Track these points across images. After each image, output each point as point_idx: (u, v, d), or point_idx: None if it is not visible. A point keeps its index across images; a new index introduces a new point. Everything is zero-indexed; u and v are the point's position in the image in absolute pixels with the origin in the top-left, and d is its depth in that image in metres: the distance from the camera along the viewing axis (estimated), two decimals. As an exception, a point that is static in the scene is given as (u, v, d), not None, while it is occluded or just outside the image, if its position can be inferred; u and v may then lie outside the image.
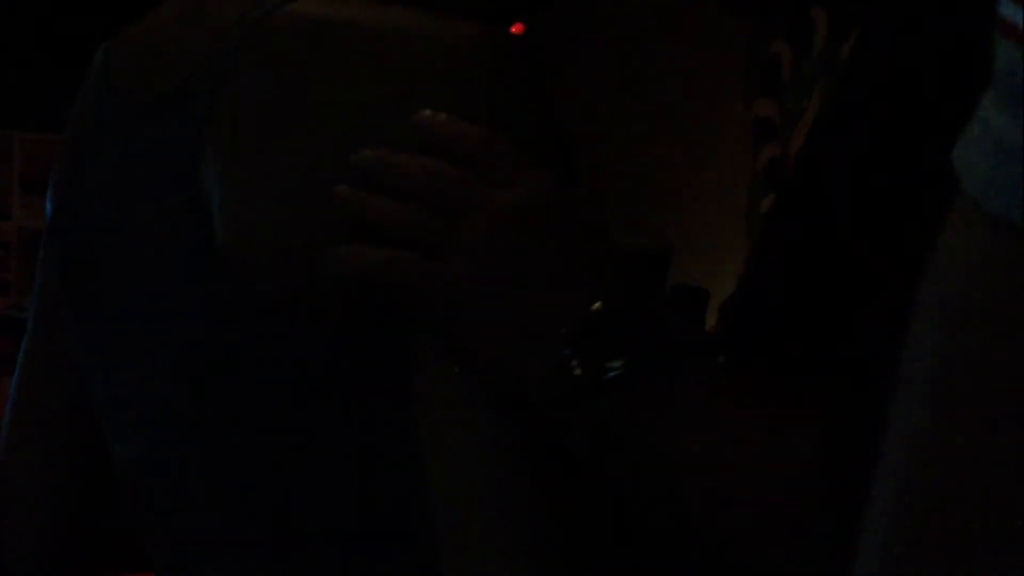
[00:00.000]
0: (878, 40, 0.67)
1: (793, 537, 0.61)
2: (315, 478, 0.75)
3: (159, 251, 0.78)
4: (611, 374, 0.65)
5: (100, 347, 0.86)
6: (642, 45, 4.22)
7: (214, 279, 0.73)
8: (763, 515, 0.63)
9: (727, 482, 0.64)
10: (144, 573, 0.92)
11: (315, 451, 0.74)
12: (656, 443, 0.66)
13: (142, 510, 0.88)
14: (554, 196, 0.70)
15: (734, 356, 0.71)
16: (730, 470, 0.64)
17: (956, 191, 0.39)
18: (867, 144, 0.65)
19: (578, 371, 0.66)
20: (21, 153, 4.36)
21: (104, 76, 0.87)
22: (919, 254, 0.41)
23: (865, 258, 0.63)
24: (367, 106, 0.72)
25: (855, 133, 0.66)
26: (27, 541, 0.96)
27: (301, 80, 0.73)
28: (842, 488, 0.59)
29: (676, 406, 0.66)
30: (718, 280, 0.79)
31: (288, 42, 0.73)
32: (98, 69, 0.89)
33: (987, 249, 0.38)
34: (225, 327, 0.74)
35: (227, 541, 0.80)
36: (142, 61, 0.84)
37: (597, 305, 0.66)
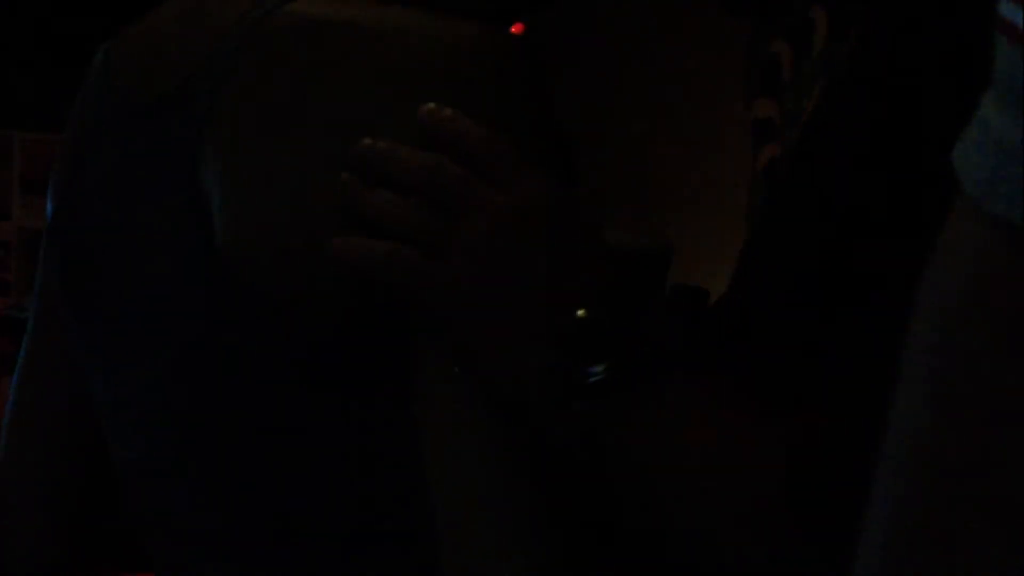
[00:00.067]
0: (878, 40, 0.67)
1: (770, 538, 0.62)
2: (315, 478, 0.75)
3: (159, 251, 0.78)
4: (595, 378, 0.66)
5: (100, 347, 0.86)
6: (642, 45, 4.22)
7: (214, 279, 0.73)
8: (740, 516, 0.63)
9: (706, 484, 0.65)
10: (144, 573, 0.92)
11: (315, 451, 0.74)
12: (637, 446, 0.66)
13: (142, 510, 0.88)
14: (553, 199, 0.70)
15: (716, 359, 0.71)
16: (709, 472, 0.65)
17: (956, 191, 0.39)
18: (865, 144, 0.64)
19: (563, 374, 0.66)
20: (21, 153, 4.36)
21: (104, 76, 0.87)
22: (918, 254, 0.41)
23: (858, 257, 0.63)
24: (367, 106, 0.72)
25: (853, 132, 0.66)
26: (27, 541, 0.96)
27: (301, 80, 0.73)
28: (819, 489, 0.60)
29: (658, 410, 0.66)
30: (718, 280, 0.79)
31: (288, 42, 0.73)
32: (98, 69, 0.89)
33: (987, 249, 0.38)
34: (225, 327, 0.74)
35: (227, 541, 0.80)
36: (142, 61, 0.84)
37: (583, 310, 0.67)
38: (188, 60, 0.78)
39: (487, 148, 0.70)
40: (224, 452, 0.78)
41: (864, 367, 0.59)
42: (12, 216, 4.35)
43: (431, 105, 0.70)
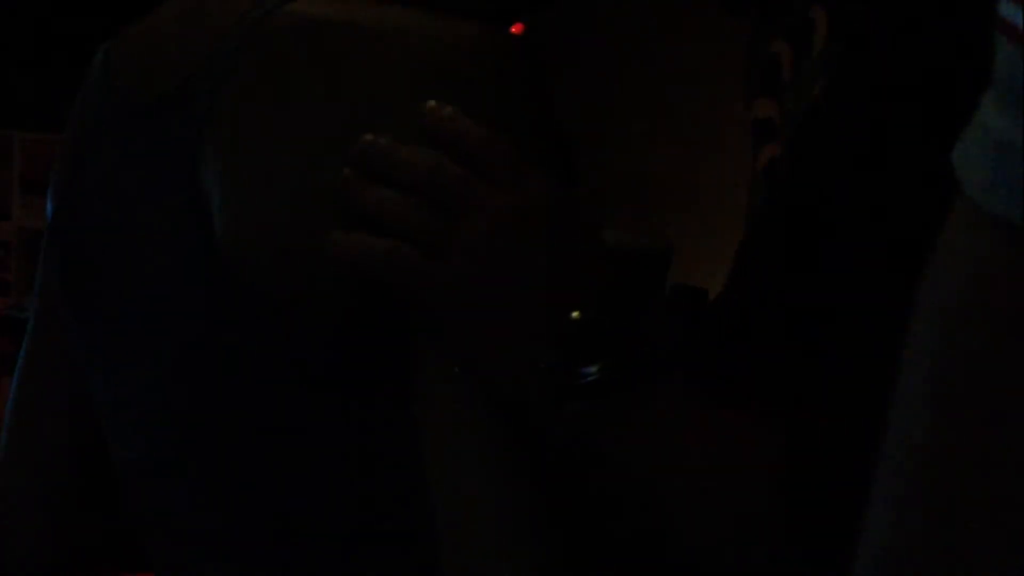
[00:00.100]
0: (875, 39, 0.67)
1: (767, 539, 0.61)
2: (315, 478, 0.75)
3: (159, 251, 0.78)
4: (591, 378, 0.66)
5: (100, 347, 0.86)
6: (642, 45, 4.22)
7: (214, 279, 0.73)
8: (737, 517, 0.63)
9: (703, 485, 0.65)
10: (144, 573, 0.92)
11: (315, 451, 0.74)
12: (634, 446, 0.66)
13: (142, 510, 0.88)
14: (553, 200, 0.71)
15: (714, 359, 0.71)
16: (705, 473, 0.65)
17: (956, 192, 0.39)
18: (861, 144, 0.64)
19: (557, 375, 0.66)
20: (21, 153, 4.36)
21: (104, 76, 0.87)
22: (918, 255, 0.41)
23: (854, 257, 0.63)
24: (367, 106, 0.72)
25: (850, 132, 0.66)
26: (27, 541, 0.96)
27: (301, 80, 0.73)
28: (816, 489, 0.60)
29: (655, 410, 0.67)
30: (718, 280, 0.79)
31: (288, 42, 0.73)
32: (98, 69, 0.89)
33: (987, 250, 0.38)
34: (225, 327, 0.74)
35: (227, 541, 0.80)
36: (142, 61, 0.84)
37: (578, 312, 0.67)
38: (188, 60, 0.78)
39: (487, 148, 0.70)
40: (224, 452, 0.78)
41: (861, 367, 0.59)
42: (12, 216, 4.35)
43: (432, 103, 0.70)
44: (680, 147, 4.02)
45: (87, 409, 0.91)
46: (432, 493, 0.69)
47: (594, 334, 0.67)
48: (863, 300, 0.61)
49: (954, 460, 0.39)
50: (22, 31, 4.18)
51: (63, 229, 0.89)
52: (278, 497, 0.76)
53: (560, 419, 0.67)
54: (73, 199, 0.88)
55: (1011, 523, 0.37)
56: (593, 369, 0.67)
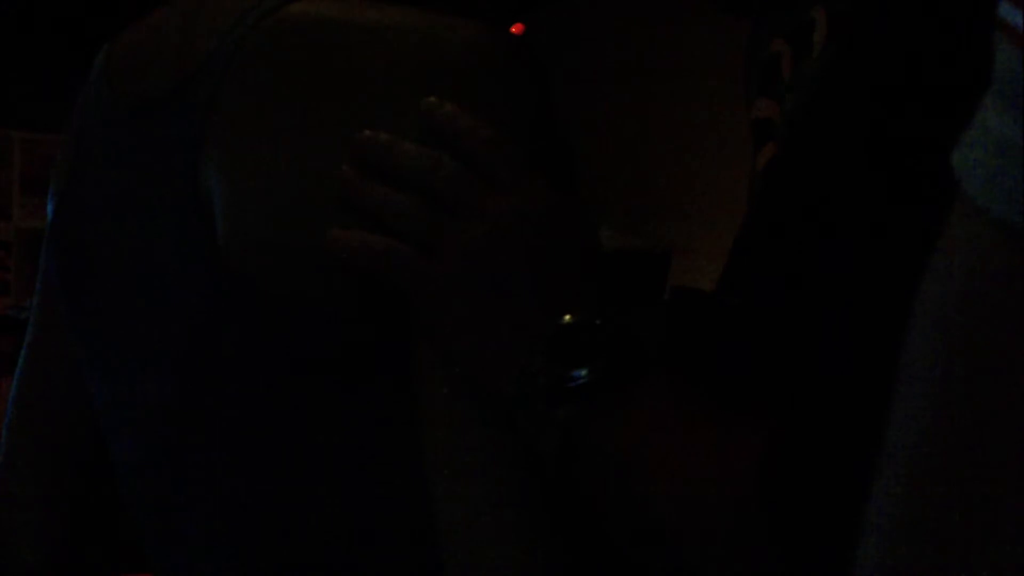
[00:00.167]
0: (874, 38, 0.67)
1: (746, 544, 0.61)
2: (315, 476, 0.75)
3: (160, 251, 0.78)
4: (576, 383, 0.66)
5: (100, 346, 0.86)
6: (642, 45, 4.22)
7: (214, 278, 0.73)
8: (717, 519, 0.63)
9: (682, 490, 0.64)
10: (144, 573, 0.92)
11: (315, 449, 0.74)
12: (614, 451, 0.66)
13: (141, 510, 0.88)
14: (550, 206, 0.71)
15: (701, 360, 0.71)
16: (684, 478, 0.65)
17: (956, 193, 0.39)
18: (855, 143, 0.64)
19: (542, 379, 0.67)
20: (21, 153, 4.37)
21: (105, 76, 0.87)
22: (917, 255, 0.41)
23: (847, 256, 0.63)
24: (367, 105, 0.72)
25: (843, 132, 0.66)
26: (27, 541, 0.96)
27: (301, 79, 0.73)
28: (797, 491, 0.60)
29: (637, 413, 0.67)
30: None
31: (288, 42, 0.74)
32: (99, 69, 0.89)
33: (987, 251, 0.38)
34: (225, 325, 0.74)
35: (226, 540, 0.80)
36: (143, 61, 0.84)
37: (567, 318, 0.67)
38: (188, 60, 0.78)
39: (488, 148, 0.70)
40: (224, 452, 0.78)
41: (857, 368, 0.59)
42: (12, 216, 4.36)
43: (432, 99, 0.70)
44: (680, 148, 4.02)
45: (87, 409, 0.92)
46: (432, 492, 0.69)
47: (584, 339, 0.67)
48: (859, 301, 0.61)
49: (955, 461, 0.39)
50: (22, 31, 4.18)
51: (63, 229, 0.89)
52: (277, 496, 0.76)
53: (548, 421, 0.68)
54: (73, 199, 0.88)
55: (1011, 524, 0.37)
56: (582, 373, 0.67)
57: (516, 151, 0.71)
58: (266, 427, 0.75)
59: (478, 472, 0.69)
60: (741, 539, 0.61)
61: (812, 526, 0.58)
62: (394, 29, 0.73)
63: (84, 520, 0.98)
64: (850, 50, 0.69)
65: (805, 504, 0.59)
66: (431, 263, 0.70)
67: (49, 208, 0.92)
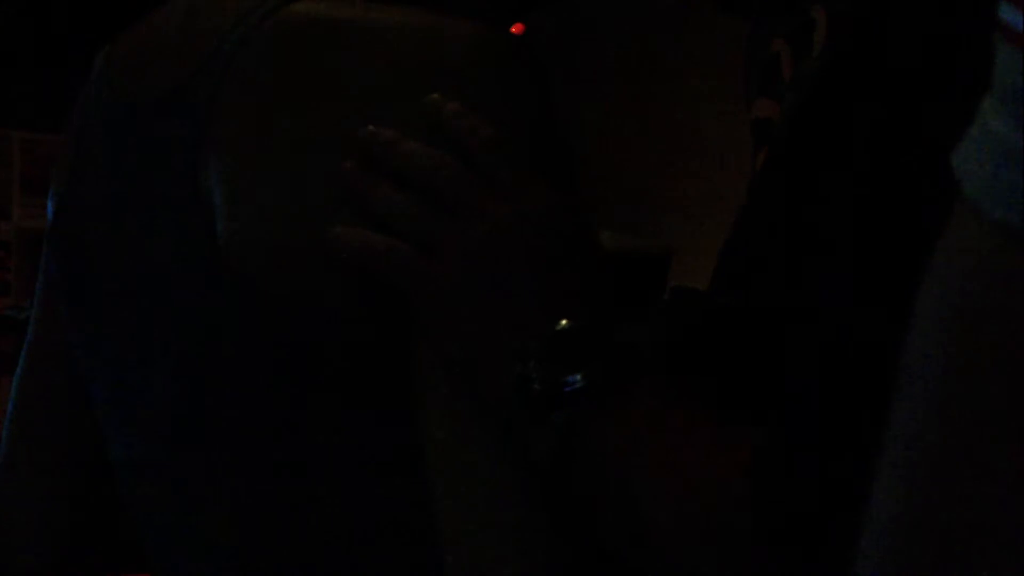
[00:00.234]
0: (872, 37, 0.67)
1: (744, 544, 0.61)
2: (314, 477, 0.75)
3: (160, 251, 0.78)
4: (569, 389, 0.66)
5: (100, 346, 0.86)
6: (642, 45, 4.22)
7: (215, 278, 0.73)
8: (714, 523, 0.63)
9: (679, 491, 0.64)
10: (144, 573, 0.92)
11: (314, 450, 0.74)
12: (611, 452, 0.66)
13: (141, 510, 0.88)
14: (551, 211, 0.71)
15: (696, 362, 0.71)
16: (682, 479, 0.64)
17: (956, 194, 0.39)
18: (856, 142, 0.64)
19: (537, 385, 0.67)
20: (21, 153, 4.36)
21: (105, 76, 0.87)
22: (916, 258, 0.41)
23: (849, 259, 0.63)
24: (367, 105, 0.72)
25: (844, 131, 0.66)
26: (27, 541, 0.96)
27: (301, 80, 0.73)
28: (792, 491, 0.59)
29: (634, 416, 0.66)
30: (718, 281, 0.79)
31: (288, 42, 0.74)
32: (99, 69, 0.89)
33: (987, 253, 0.38)
34: (226, 325, 0.74)
35: (226, 541, 0.80)
36: (143, 61, 0.84)
37: (563, 324, 0.67)
38: (189, 60, 0.78)
39: (491, 150, 0.70)
40: (224, 452, 0.78)
41: (854, 369, 0.58)
42: (12, 216, 4.36)
43: (436, 96, 0.70)
44: (680, 148, 4.02)
45: (87, 409, 0.92)
46: (433, 493, 0.69)
47: (579, 345, 0.67)
48: (859, 301, 0.61)
49: (955, 461, 0.39)
50: (22, 31, 4.18)
51: (64, 229, 0.89)
52: (277, 496, 0.76)
53: (543, 425, 0.68)
54: (74, 199, 0.88)
55: (1011, 523, 0.37)
56: (577, 379, 0.67)
57: (517, 152, 0.71)
58: (266, 427, 0.75)
59: (478, 472, 0.69)
60: (739, 539, 0.61)
61: (810, 526, 0.58)
62: (394, 29, 0.73)
63: (84, 520, 0.98)
64: (850, 50, 0.68)
65: (803, 504, 0.59)
66: (431, 263, 0.70)
67: (49, 208, 0.92)
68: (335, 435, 0.74)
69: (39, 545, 0.96)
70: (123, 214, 0.81)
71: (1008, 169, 0.37)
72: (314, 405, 0.73)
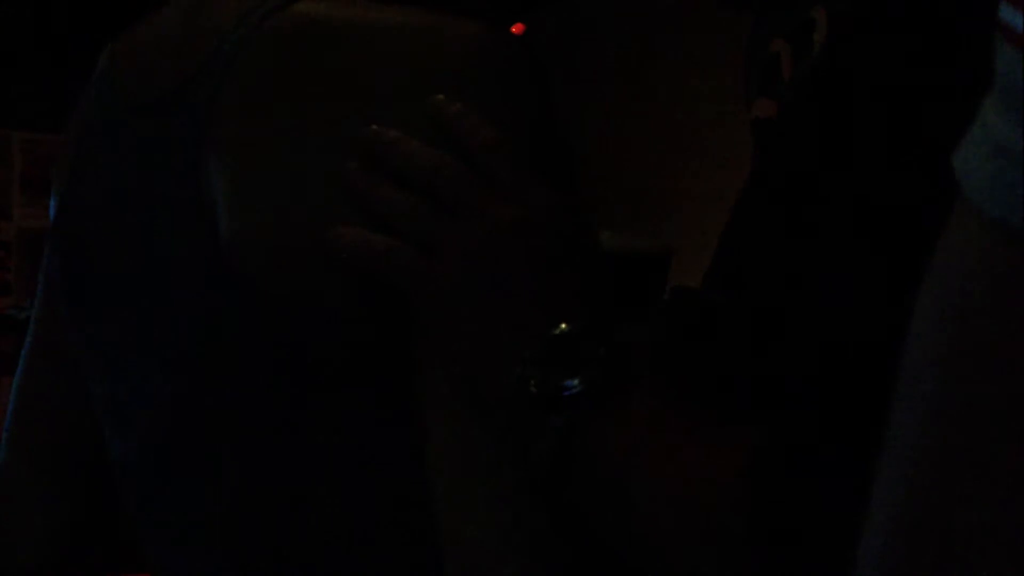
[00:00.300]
0: (871, 37, 0.67)
1: (743, 545, 0.61)
2: (313, 477, 0.75)
3: (161, 251, 0.78)
4: (567, 392, 0.66)
5: (101, 345, 0.86)
6: (642, 45, 4.22)
7: (216, 277, 0.74)
8: (713, 524, 0.63)
9: (678, 492, 0.64)
10: (144, 573, 0.92)
11: (314, 449, 0.74)
12: (611, 453, 0.66)
13: (141, 509, 0.88)
14: (551, 214, 0.71)
15: (692, 361, 0.71)
16: (681, 480, 0.64)
17: (956, 194, 0.39)
18: (858, 144, 0.64)
19: (535, 388, 0.67)
20: (21, 153, 4.37)
21: (106, 76, 0.87)
22: (915, 257, 0.41)
23: (847, 258, 0.63)
24: (368, 105, 0.72)
25: (841, 131, 0.66)
26: (27, 541, 0.96)
27: (302, 79, 0.73)
28: (791, 492, 0.59)
29: (633, 417, 0.66)
30: (718, 281, 0.78)
31: (289, 42, 0.74)
32: (101, 69, 0.89)
33: (987, 253, 0.38)
34: (227, 324, 0.74)
35: (226, 541, 0.80)
36: (144, 61, 0.84)
37: (562, 327, 0.67)
38: (190, 60, 0.78)
39: (492, 150, 0.70)
40: (224, 452, 0.78)
41: (851, 370, 0.58)
42: (12, 216, 4.36)
43: (440, 97, 0.70)
44: (680, 148, 4.03)
45: (87, 409, 0.92)
46: (433, 491, 0.69)
47: (578, 349, 0.67)
48: (859, 301, 0.61)
49: (954, 460, 0.39)
50: (22, 31, 4.18)
51: (65, 229, 0.89)
52: (277, 495, 0.76)
53: (541, 427, 0.68)
54: (75, 199, 0.88)
55: (1011, 523, 0.37)
56: (575, 382, 0.67)
57: (517, 152, 0.71)
58: (266, 426, 0.75)
59: (478, 472, 0.69)
60: (738, 540, 0.61)
61: (810, 526, 0.58)
62: (395, 29, 0.73)
63: (84, 520, 0.98)
64: (850, 50, 0.68)
65: (802, 504, 0.59)
66: (431, 263, 0.70)
67: (51, 208, 0.92)
68: (335, 435, 0.74)
69: (39, 545, 0.96)
70: (124, 214, 0.81)
71: (1008, 169, 0.37)
72: (314, 405, 0.73)
